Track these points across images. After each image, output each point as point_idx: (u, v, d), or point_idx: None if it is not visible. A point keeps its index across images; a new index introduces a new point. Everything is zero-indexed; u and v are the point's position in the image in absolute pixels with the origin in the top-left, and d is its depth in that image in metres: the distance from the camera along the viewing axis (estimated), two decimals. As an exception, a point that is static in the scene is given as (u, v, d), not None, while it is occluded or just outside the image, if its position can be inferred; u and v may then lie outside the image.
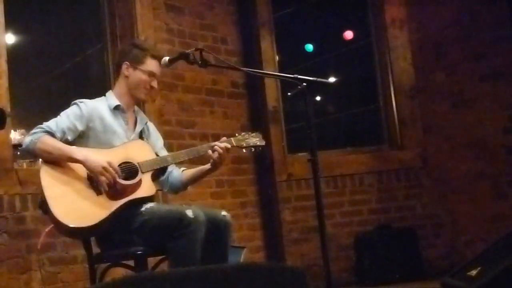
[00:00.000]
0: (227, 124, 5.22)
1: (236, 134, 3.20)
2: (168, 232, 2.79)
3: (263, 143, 3.23)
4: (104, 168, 2.84)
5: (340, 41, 6.03)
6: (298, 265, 4.99)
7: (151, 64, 3.13)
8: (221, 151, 3.06)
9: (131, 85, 3.14)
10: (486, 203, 5.38)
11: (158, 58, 3.14)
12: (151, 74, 3.13)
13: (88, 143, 3.02)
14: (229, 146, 3.09)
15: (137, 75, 3.13)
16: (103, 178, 2.85)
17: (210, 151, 3.07)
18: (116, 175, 2.87)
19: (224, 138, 3.15)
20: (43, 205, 2.85)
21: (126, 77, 3.14)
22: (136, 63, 3.13)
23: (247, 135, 3.21)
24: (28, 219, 3.88)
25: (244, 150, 3.20)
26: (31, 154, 2.98)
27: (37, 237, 3.80)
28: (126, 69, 3.14)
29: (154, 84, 3.15)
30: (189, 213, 2.78)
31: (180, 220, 2.77)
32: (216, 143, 3.09)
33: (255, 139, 3.19)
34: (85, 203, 2.85)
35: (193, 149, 3.10)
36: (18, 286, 3.77)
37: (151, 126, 3.33)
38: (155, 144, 3.26)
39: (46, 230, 3.07)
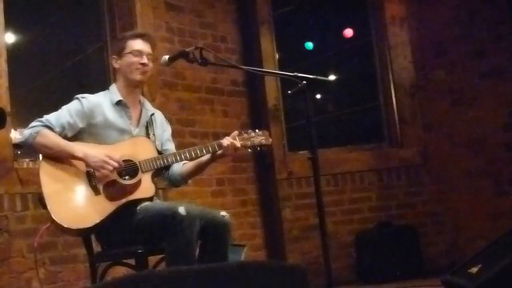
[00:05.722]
0: (227, 122, 5.21)
1: (243, 132, 3.10)
2: (162, 230, 2.77)
3: (269, 142, 3.14)
4: (104, 161, 2.84)
5: (340, 39, 6.03)
6: (298, 263, 4.99)
7: (132, 45, 3.12)
8: (228, 145, 2.98)
9: (124, 72, 3.12)
10: (487, 201, 5.37)
11: (138, 36, 3.16)
12: (136, 53, 3.10)
13: (88, 139, 3.00)
14: (238, 145, 3.02)
15: (124, 61, 3.11)
16: (104, 171, 2.84)
17: (217, 148, 3.01)
18: (118, 165, 2.86)
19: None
20: (41, 201, 2.85)
21: (118, 68, 3.15)
22: (120, 52, 3.14)
23: (253, 133, 3.11)
24: (29, 218, 3.89)
25: (249, 150, 3.12)
26: (30, 148, 2.97)
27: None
28: (115, 62, 3.16)
29: (144, 60, 3.11)
30: (181, 210, 2.76)
31: (172, 218, 2.75)
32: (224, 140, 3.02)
33: (261, 138, 3.10)
34: (83, 203, 2.85)
35: (195, 148, 3.04)
36: (19, 285, 3.77)
37: (158, 117, 3.29)
38: (161, 135, 3.23)
39: (44, 227, 3.05)
